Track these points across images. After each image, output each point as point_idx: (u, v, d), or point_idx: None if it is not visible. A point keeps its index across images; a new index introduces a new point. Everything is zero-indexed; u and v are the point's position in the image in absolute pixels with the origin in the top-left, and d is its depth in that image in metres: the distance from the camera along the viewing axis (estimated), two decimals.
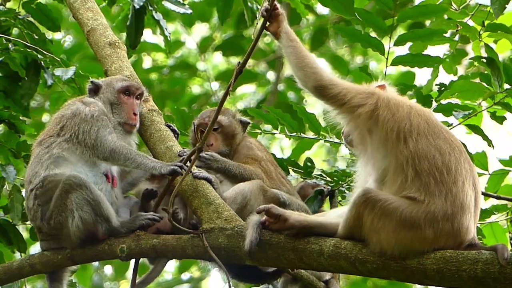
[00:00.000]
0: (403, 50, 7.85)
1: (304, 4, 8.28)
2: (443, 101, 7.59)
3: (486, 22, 7.61)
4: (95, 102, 6.79)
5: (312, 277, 6.92)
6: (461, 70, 10.21)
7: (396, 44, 7.53)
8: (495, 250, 5.84)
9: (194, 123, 7.12)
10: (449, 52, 8.01)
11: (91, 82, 6.94)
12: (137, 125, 6.83)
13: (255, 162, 7.01)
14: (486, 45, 7.65)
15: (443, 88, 7.59)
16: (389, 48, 7.53)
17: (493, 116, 7.56)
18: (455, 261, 5.89)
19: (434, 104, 7.57)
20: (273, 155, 7.46)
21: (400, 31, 8.63)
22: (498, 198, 7.80)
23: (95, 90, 6.89)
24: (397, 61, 7.59)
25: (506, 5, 7.36)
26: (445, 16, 7.79)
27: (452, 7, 7.68)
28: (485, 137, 7.48)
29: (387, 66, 7.59)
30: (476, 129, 7.54)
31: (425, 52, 7.81)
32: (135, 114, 6.83)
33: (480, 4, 7.66)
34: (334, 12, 7.38)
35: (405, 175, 6.02)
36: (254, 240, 6.21)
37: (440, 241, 5.96)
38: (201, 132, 7.01)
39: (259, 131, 7.93)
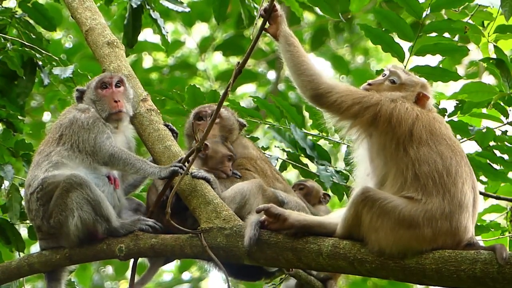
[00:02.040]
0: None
1: (299, 2, 8.26)
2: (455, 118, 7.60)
3: (493, 24, 7.60)
4: (88, 108, 6.79)
5: (310, 277, 6.92)
6: (461, 70, 10.21)
7: (418, 53, 7.50)
8: (493, 250, 5.84)
9: (192, 123, 7.12)
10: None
11: (76, 90, 6.95)
12: (124, 110, 6.78)
13: (250, 161, 7.01)
14: (495, 47, 7.63)
15: (460, 105, 7.59)
16: (409, 56, 7.51)
17: (504, 134, 7.55)
18: (453, 261, 5.89)
19: (446, 119, 7.56)
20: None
21: None
22: (498, 198, 7.81)
23: (82, 97, 6.90)
24: (414, 71, 7.50)
25: None
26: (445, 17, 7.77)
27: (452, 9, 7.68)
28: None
29: None
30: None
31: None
32: (116, 101, 6.79)
33: (479, 5, 7.65)
34: (322, 12, 7.35)
35: (405, 178, 6.02)
36: (253, 236, 6.20)
37: (439, 240, 5.96)
38: (199, 118, 7.11)
39: (260, 121, 7.93)
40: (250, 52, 6.30)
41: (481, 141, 7.49)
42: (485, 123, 7.81)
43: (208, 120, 7.09)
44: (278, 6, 6.40)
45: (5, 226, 7.61)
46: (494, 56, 7.61)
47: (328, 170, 7.67)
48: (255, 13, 8.24)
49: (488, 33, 7.66)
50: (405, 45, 7.57)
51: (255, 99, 7.95)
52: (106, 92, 6.84)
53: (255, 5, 8.42)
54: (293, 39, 6.36)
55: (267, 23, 6.38)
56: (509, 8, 7.32)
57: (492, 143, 7.52)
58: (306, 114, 7.96)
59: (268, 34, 6.44)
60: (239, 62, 6.34)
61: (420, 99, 6.32)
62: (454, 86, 8.09)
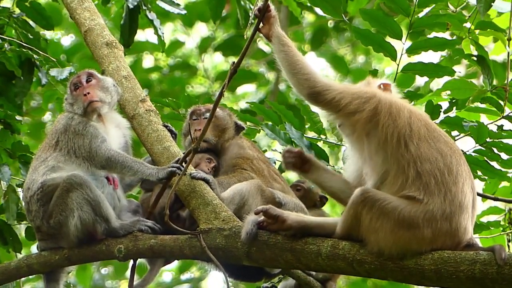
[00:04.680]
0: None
1: (297, 2, 8.26)
2: (451, 114, 7.60)
3: (476, 21, 7.60)
4: (73, 116, 6.79)
5: (309, 277, 6.92)
6: (461, 70, 10.20)
7: (409, 51, 7.49)
8: (492, 250, 5.84)
9: (188, 122, 7.13)
10: (446, 53, 8.00)
11: (65, 99, 6.95)
12: (96, 99, 6.78)
13: (246, 161, 7.01)
14: (476, 43, 7.63)
15: (454, 100, 7.59)
16: (402, 54, 7.49)
17: (500, 130, 7.54)
18: (453, 261, 5.88)
19: (442, 116, 7.55)
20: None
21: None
22: (496, 199, 7.81)
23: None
24: (408, 68, 7.52)
25: (492, 4, 7.35)
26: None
27: (450, 8, 7.67)
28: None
29: (397, 72, 7.55)
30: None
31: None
32: (85, 94, 6.78)
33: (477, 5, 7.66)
34: (324, 13, 7.34)
35: (406, 176, 6.01)
36: (249, 231, 6.21)
37: (438, 241, 5.95)
38: (194, 119, 7.14)
39: (258, 127, 7.93)
40: (245, 51, 6.32)
41: (477, 137, 7.48)
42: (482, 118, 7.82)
43: (202, 118, 7.12)
44: (272, 7, 6.40)
45: (2, 227, 7.62)
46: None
47: None
48: (251, 14, 8.25)
49: (469, 30, 7.64)
50: (400, 44, 7.58)
51: (252, 105, 7.94)
52: (79, 91, 6.85)
53: (251, 6, 8.43)
54: (286, 39, 6.35)
55: (261, 23, 6.39)
56: (484, 4, 7.33)
57: (488, 140, 7.50)
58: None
59: (261, 35, 6.45)
60: (234, 62, 6.35)
61: (385, 90, 6.36)
62: None
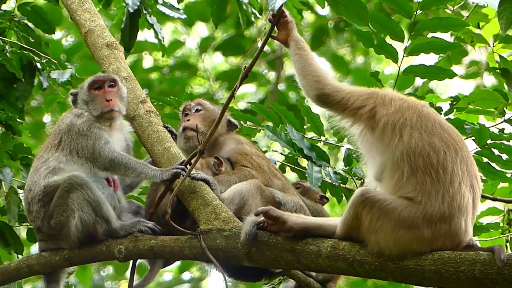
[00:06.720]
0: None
1: (297, 9, 8.29)
2: (452, 116, 7.59)
3: (486, 24, 7.59)
4: (82, 113, 6.80)
5: (309, 279, 6.93)
6: (461, 69, 10.20)
7: (411, 53, 7.49)
8: (492, 251, 5.84)
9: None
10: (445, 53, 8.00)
11: (70, 94, 6.95)
12: (117, 109, 6.79)
13: (246, 157, 7.02)
14: (501, 57, 7.63)
15: (455, 102, 7.58)
16: (403, 57, 7.49)
17: (502, 132, 7.55)
18: (453, 262, 5.89)
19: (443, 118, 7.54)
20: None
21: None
22: (495, 200, 7.81)
23: (76, 100, 6.91)
24: (409, 71, 7.51)
25: None
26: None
27: (449, 8, 7.67)
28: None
29: (399, 74, 7.56)
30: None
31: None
32: (108, 100, 6.79)
33: (476, 5, 7.64)
34: (348, 21, 7.31)
35: (401, 172, 6.02)
36: (248, 232, 6.23)
37: (438, 241, 5.96)
38: (185, 115, 7.19)
39: (259, 127, 7.94)
40: (257, 56, 6.37)
41: (478, 139, 7.49)
42: (482, 120, 7.82)
43: (192, 112, 7.14)
44: (287, 12, 6.44)
45: (4, 229, 7.63)
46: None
47: (325, 171, 7.65)
48: (253, 18, 8.28)
49: (493, 44, 7.65)
50: (401, 45, 7.57)
51: (253, 105, 7.96)
52: (99, 92, 6.84)
53: (253, 9, 8.46)
54: (303, 44, 6.46)
55: (276, 29, 6.44)
56: (506, 20, 7.29)
57: (490, 141, 7.51)
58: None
59: (277, 42, 6.52)
60: (245, 66, 6.39)
61: None
62: (455, 87, 8.08)
